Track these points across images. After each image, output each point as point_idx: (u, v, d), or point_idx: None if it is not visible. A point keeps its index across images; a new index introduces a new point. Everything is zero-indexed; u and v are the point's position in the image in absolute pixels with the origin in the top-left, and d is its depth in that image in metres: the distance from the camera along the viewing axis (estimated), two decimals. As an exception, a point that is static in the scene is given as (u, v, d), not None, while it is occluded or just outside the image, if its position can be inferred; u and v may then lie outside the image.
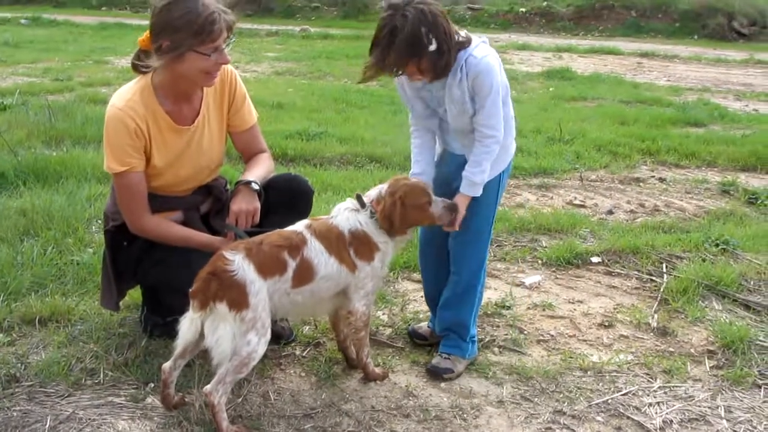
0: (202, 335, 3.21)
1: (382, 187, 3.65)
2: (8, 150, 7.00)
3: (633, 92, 12.93)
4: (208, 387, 3.20)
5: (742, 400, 3.76)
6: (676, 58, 18.63)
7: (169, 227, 3.74)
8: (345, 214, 3.60)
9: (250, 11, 26.68)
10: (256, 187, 3.75)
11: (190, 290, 3.22)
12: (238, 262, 3.23)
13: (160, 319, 3.97)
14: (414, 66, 3.40)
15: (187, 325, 3.23)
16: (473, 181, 3.64)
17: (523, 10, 25.60)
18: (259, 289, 3.24)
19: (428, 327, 4.25)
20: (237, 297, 3.18)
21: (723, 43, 22.39)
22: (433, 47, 3.33)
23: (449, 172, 3.82)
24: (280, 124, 9.12)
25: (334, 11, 27.51)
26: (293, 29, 22.71)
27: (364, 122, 9.53)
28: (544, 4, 26.30)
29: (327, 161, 7.83)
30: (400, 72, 3.47)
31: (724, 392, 3.82)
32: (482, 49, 3.50)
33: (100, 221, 5.41)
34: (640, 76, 15.53)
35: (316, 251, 3.45)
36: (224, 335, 3.15)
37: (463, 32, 3.53)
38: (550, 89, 13.15)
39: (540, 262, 5.39)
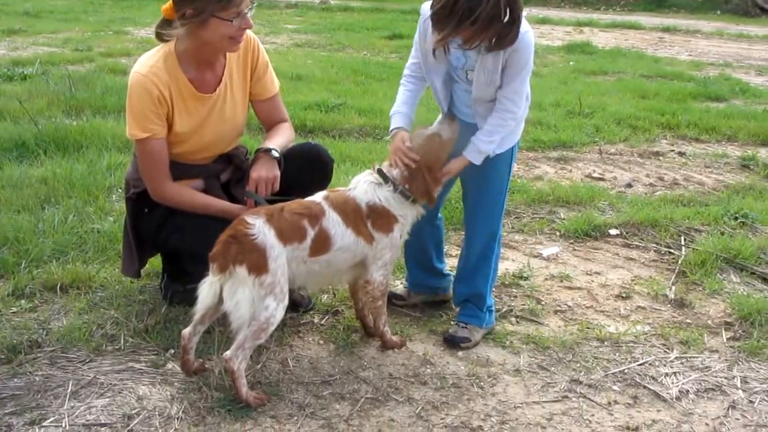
0: (221, 300, 3.23)
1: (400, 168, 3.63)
2: (29, 119, 7.06)
3: (654, 67, 12.84)
4: (227, 353, 3.23)
5: (758, 371, 3.76)
6: (698, 33, 18.48)
7: (190, 194, 3.77)
8: (363, 187, 3.59)
9: (269, -17, 26.60)
10: (276, 154, 3.77)
11: (210, 253, 3.24)
12: (259, 227, 3.25)
13: (180, 287, 4.00)
14: (483, 36, 3.25)
15: (207, 288, 3.26)
16: (480, 150, 3.61)
17: (545, -17, 25.40)
18: (279, 255, 3.26)
19: (404, 287, 4.30)
20: (257, 261, 3.19)
21: (745, 19, 22.20)
22: (506, 19, 3.19)
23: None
24: (299, 96, 9.12)
25: (354, -17, 27.37)
26: (313, 1, 22.65)
27: (383, 95, 9.50)
28: (566, -23, 26.12)
29: (346, 132, 7.83)
30: (463, 41, 3.31)
31: (740, 363, 3.83)
32: (524, 23, 3.37)
33: (120, 190, 5.46)
34: (662, 50, 15.41)
35: (333, 222, 3.46)
36: (243, 299, 3.17)
37: None
38: (570, 63, 13.07)
39: (558, 234, 5.39)
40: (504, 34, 3.27)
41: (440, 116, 3.72)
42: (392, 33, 15.39)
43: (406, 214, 3.62)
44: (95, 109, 8.02)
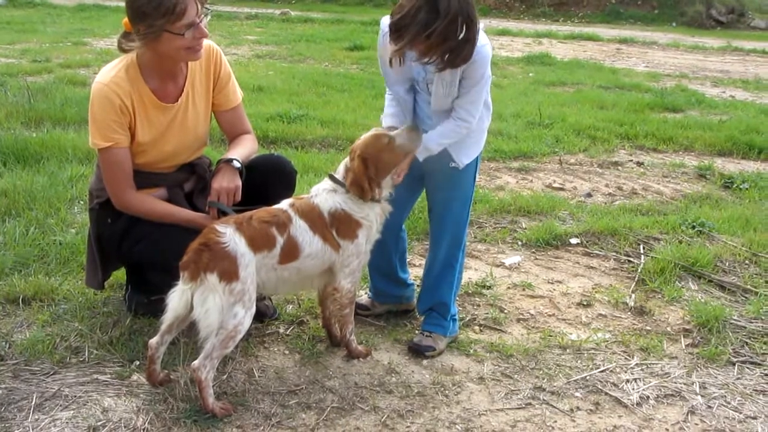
0: (190, 309, 3.24)
1: (344, 161, 3.68)
2: (-13, 131, 6.97)
3: (612, 78, 13.05)
4: (195, 363, 3.24)
5: (716, 377, 3.85)
6: (654, 44, 18.81)
7: (153, 203, 3.77)
8: (323, 195, 3.62)
9: (229, -6, 26.57)
10: (238, 164, 3.78)
11: (181, 262, 3.25)
12: (230, 235, 3.27)
13: (144, 298, 4.00)
14: (437, 51, 3.30)
15: (177, 297, 3.26)
16: (428, 147, 3.64)
17: (503, -4, 25.68)
18: (249, 262, 3.28)
19: (368, 297, 4.34)
20: (228, 268, 3.22)
21: (701, 31, 22.65)
22: (461, 36, 3.25)
23: None
24: (261, 107, 9.12)
25: (315, -6, 27.45)
26: (273, 12, 22.65)
27: (345, 105, 9.54)
28: (524, -11, 26.41)
29: (308, 143, 7.84)
30: (418, 55, 3.36)
31: (699, 369, 3.91)
32: (482, 37, 3.43)
33: (82, 202, 5.43)
34: (619, 62, 15.66)
35: (301, 230, 3.49)
36: (213, 307, 3.18)
37: None
38: (530, 74, 13.22)
39: (520, 243, 5.46)
40: (458, 52, 3.32)
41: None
42: (353, 44, 15.43)
43: (368, 215, 3.63)
44: (55, 121, 7.94)
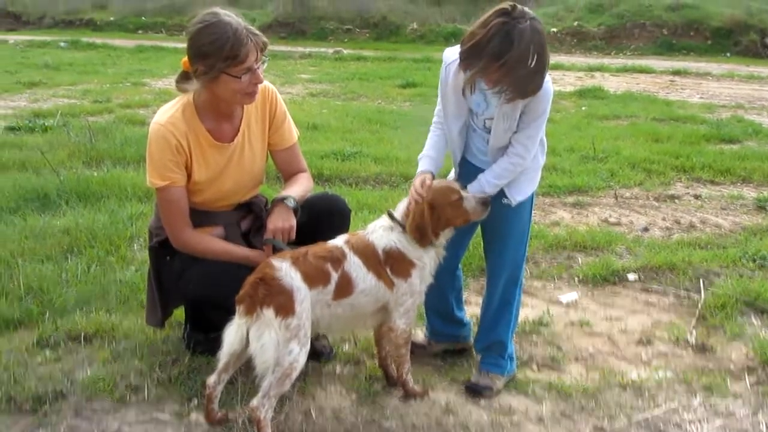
0: (246, 345, 3.26)
1: (407, 201, 3.69)
2: (50, 170, 7.15)
3: (666, 110, 12.89)
4: (254, 401, 3.25)
5: (783, 417, 3.75)
6: (708, 75, 18.55)
7: (210, 241, 3.81)
8: (379, 232, 3.63)
9: (283, 34, 27.02)
10: (292, 203, 3.80)
11: (237, 296, 3.28)
12: (286, 270, 3.30)
13: (203, 336, 4.04)
14: (508, 79, 3.29)
15: (233, 332, 3.29)
16: (483, 190, 3.65)
17: (555, 30, 25.60)
18: (305, 297, 3.30)
19: (425, 336, 4.31)
20: (284, 303, 3.23)
21: (756, 60, 22.28)
22: (533, 65, 3.24)
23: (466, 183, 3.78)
24: (316, 145, 9.22)
25: (366, 33, 27.73)
26: (326, 51, 22.92)
27: (398, 143, 9.58)
28: (575, 23, 26.34)
29: (362, 180, 7.89)
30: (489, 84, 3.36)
31: (765, 408, 3.81)
32: None
33: (142, 240, 5.52)
34: (673, 94, 15.48)
35: (355, 265, 3.51)
36: (269, 342, 3.20)
37: None
38: (583, 108, 13.14)
39: (576, 279, 5.40)
40: (528, 82, 3.32)
41: (452, 171, 3.77)
42: (405, 81, 15.53)
43: (422, 257, 3.64)
44: (115, 160, 8.14)
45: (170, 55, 19.79)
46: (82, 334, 4.25)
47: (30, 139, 9.22)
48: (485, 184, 3.65)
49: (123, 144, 8.75)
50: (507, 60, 3.20)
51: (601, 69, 19.58)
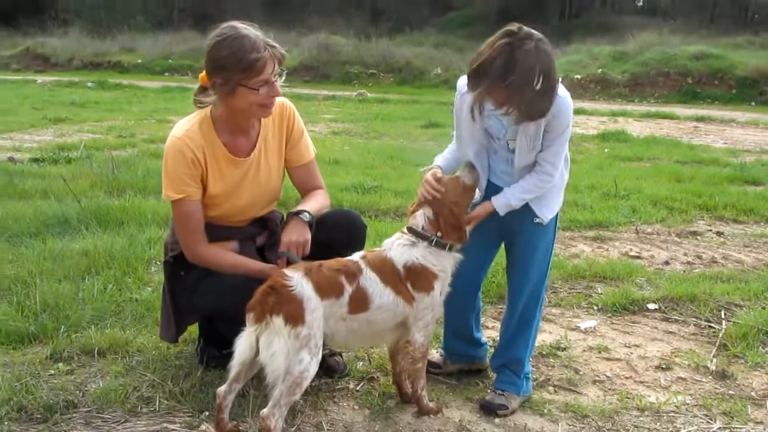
0: (256, 353, 3.23)
1: (423, 213, 3.68)
2: (72, 197, 7.21)
3: (689, 153, 12.83)
4: (264, 411, 3.21)
5: (805, 442, 3.66)
6: (733, 122, 18.50)
7: (224, 255, 3.81)
8: (398, 249, 3.61)
9: (307, 77, 27.34)
10: (308, 218, 3.80)
11: (248, 304, 3.26)
12: (297, 279, 3.28)
13: (216, 351, 4.02)
14: (514, 101, 3.31)
15: (243, 340, 3.27)
16: (509, 203, 3.65)
17: (579, 77, 25.72)
18: (316, 307, 3.27)
19: (440, 355, 4.27)
20: (294, 311, 3.21)
21: (781, 109, 22.21)
22: (538, 87, 3.24)
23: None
24: (336, 178, 9.24)
25: (390, 77, 28.01)
26: (350, 94, 23.11)
27: (419, 178, 9.55)
28: (599, 71, 26.44)
29: (382, 213, 7.87)
30: (496, 105, 3.38)
31: (786, 434, 3.72)
32: (561, 89, 3.45)
33: (159, 262, 5.53)
34: (697, 139, 15.43)
35: (371, 281, 3.48)
36: (279, 350, 3.17)
37: None
38: (606, 150, 13.12)
39: (595, 308, 5.33)
40: (534, 104, 3.33)
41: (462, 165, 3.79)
42: (428, 122, 15.60)
43: (445, 267, 3.63)
44: (136, 190, 8.18)
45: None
46: (96, 349, 4.24)
47: (53, 170, 9.33)
48: (511, 197, 3.66)
49: (145, 175, 8.82)
50: (512, 81, 3.22)
51: (624, 114, 19.61)
